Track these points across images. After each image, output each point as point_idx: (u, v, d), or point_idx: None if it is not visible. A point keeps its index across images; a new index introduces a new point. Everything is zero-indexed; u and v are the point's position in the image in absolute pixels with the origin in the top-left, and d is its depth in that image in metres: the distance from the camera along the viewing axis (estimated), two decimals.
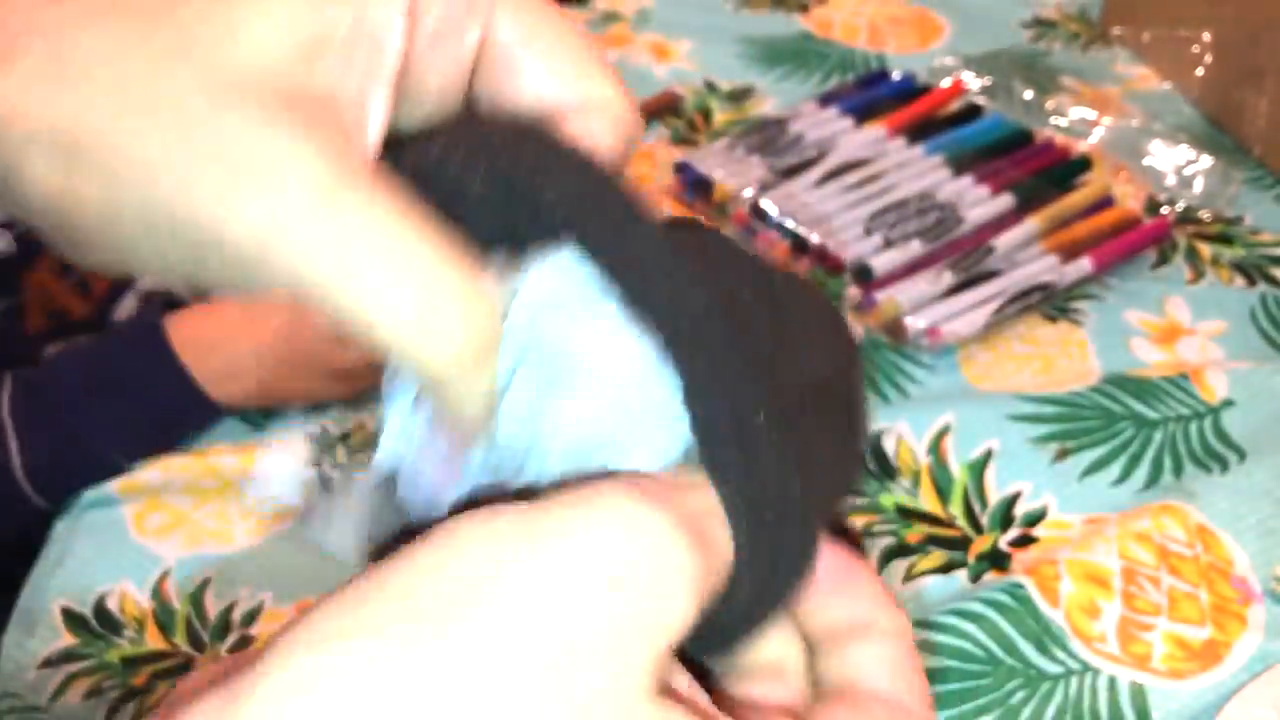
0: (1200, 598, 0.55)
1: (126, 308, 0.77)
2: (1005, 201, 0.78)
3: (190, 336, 0.61)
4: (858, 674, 0.27)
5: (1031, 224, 0.75)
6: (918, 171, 0.80)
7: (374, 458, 0.26)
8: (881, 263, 0.73)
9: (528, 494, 0.23)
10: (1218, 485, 0.60)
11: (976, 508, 0.61)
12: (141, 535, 0.58)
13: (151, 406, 0.61)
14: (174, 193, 0.20)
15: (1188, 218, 0.80)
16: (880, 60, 0.96)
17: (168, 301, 0.65)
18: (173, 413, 0.62)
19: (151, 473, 0.61)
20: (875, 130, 0.84)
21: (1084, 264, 0.74)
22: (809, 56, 0.97)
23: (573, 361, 0.24)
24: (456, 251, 0.22)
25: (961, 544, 0.59)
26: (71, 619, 0.55)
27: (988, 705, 0.51)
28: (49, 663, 0.53)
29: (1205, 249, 0.77)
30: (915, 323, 0.69)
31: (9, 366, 0.62)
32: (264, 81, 0.21)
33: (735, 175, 0.80)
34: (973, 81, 0.91)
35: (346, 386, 0.63)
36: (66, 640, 0.54)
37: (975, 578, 0.57)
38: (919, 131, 0.84)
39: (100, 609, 0.55)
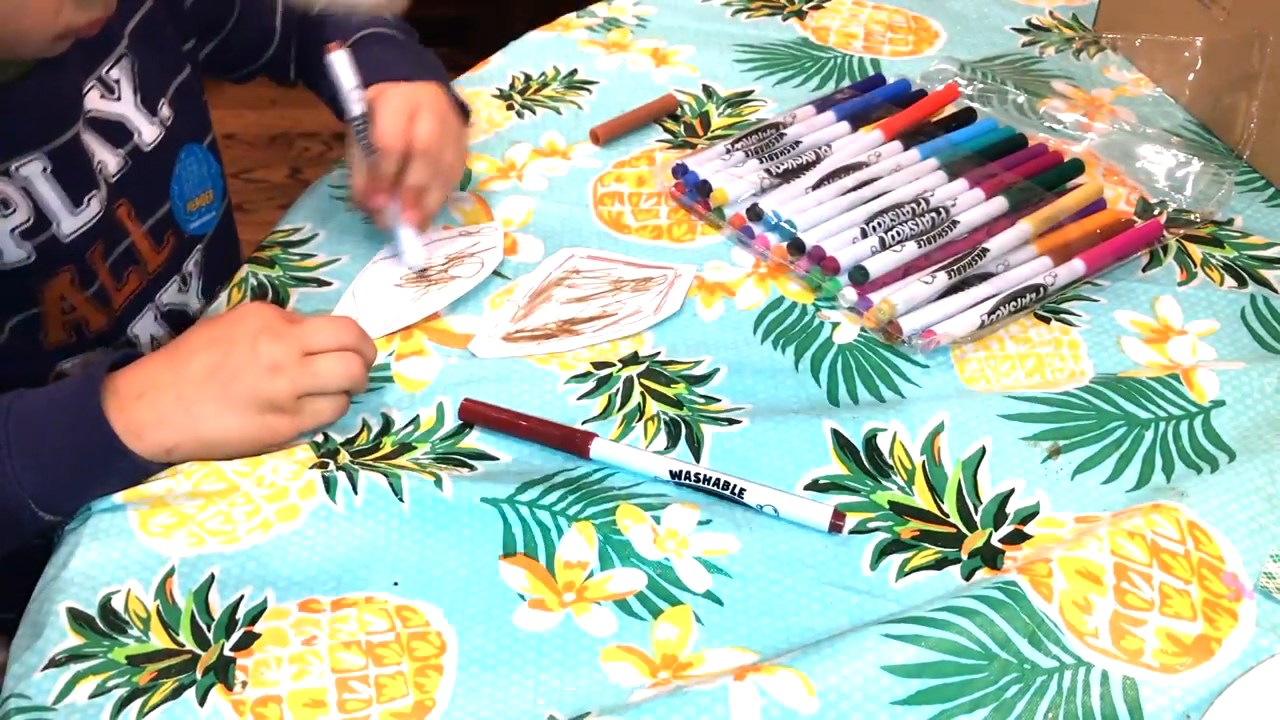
0: (1192, 593, 0.56)
1: (145, 323, 0.77)
2: (999, 204, 0.79)
3: (120, 388, 0.60)
4: None
5: (1024, 226, 0.76)
6: (912, 175, 0.81)
7: None
8: (877, 265, 0.74)
9: None
10: (1208, 483, 0.61)
11: (970, 505, 0.61)
12: (147, 535, 0.59)
13: (65, 454, 0.59)
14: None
15: (1179, 220, 0.81)
16: (876, 65, 0.97)
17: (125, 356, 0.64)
18: (88, 461, 0.60)
19: (159, 475, 0.61)
20: (871, 135, 0.85)
21: (1076, 266, 0.74)
22: (806, 62, 0.98)
23: None
24: None
25: (955, 540, 0.60)
26: (77, 618, 0.55)
27: (982, 699, 0.52)
28: (55, 662, 0.54)
29: (1196, 251, 0.78)
30: (910, 324, 0.70)
31: (26, 379, 0.61)
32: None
33: (733, 179, 0.81)
34: (967, 86, 0.92)
35: (286, 422, 0.62)
36: (73, 640, 0.55)
37: (968, 574, 0.58)
38: (914, 136, 0.85)
39: (106, 608, 0.56)
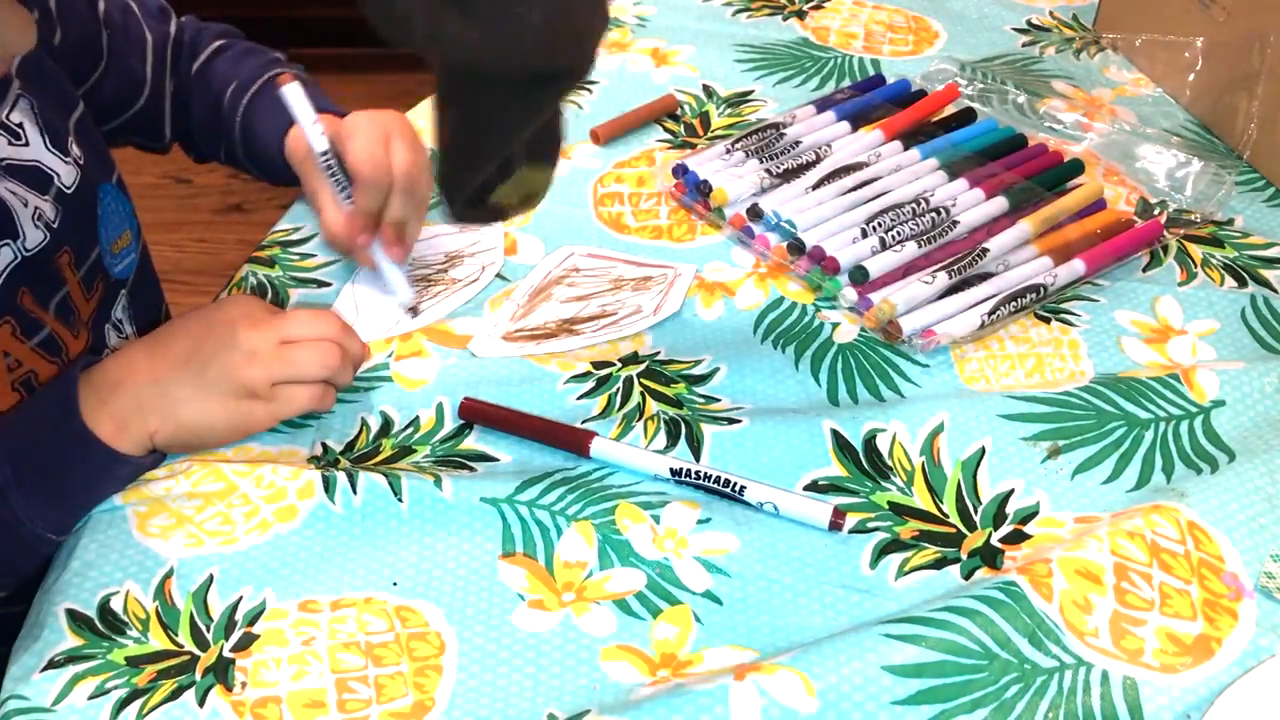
0: (1192, 593, 0.56)
1: None
2: (999, 204, 0.79)
3: (96, 381, 0.60)
4: None
5: (1024, 226, 0.76)
6: (912, 175, 0.81)
7: None
8: (877, 265, 0.74)
9: None
10: (1208, 483, 0.61)
11: (969, 505, 0.61)
12: (145, 536, 0.59)
13: (65, 479, 0.59)
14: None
15: (1179, 220, 0.81)
16: (876, 65, 0.97)
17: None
18: (88, 479, 0.60)
19: (157, 475, 0.61)
20: (871, 135, 0.85)
21: (1076, 266, 0.74)
22: (806, 62, 0.98)
23: None
24: None
25: (954, 540, 0.60)
26: (76, 620, 0.55)
27: (982, 699, 0.52)
28: (54, 664, 0.54)
29: (1196, 251, 0.78)
30: (910, 324, 0.70)
31: None
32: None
33: (733, 179, 0.81)
34: (967, 86, 0.92)
35: (262, 408, 0.62)
36: (71, 641, 0.55)
37: (968, 574, 0.58)
38: (914, 136, 0.85)
39: (105, 609, 0.56)
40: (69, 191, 0.69)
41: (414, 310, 0.73)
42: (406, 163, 0.71)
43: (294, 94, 0.70)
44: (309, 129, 0.70)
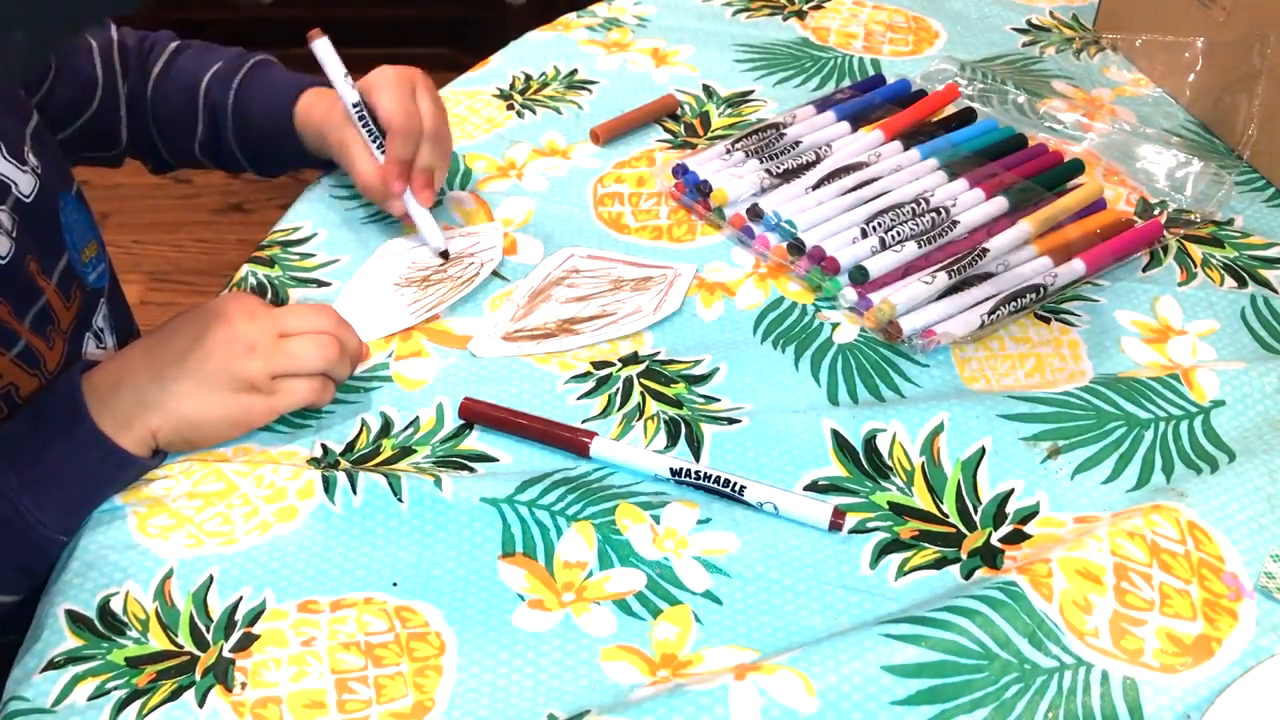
0: (1192, 593, 0.56)
1: None
2: (999, 204, 0.79)
3: (98, 382, 0.60)
4: None
5: (1024, 226, 0.76)
6: (912, 175, 0.81)
7: None
8: (877, 265, 0.74)
9: None
10: (1208, 484, 0.61)
11: (969, 505, 0.61)
12: (145, 537, 0.59)
13: (74, 483, 0.59)
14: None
15: (1179, 220, 0.81)
16: (876, 65, 0.97)
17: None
18: (95, 481, 0.60)
19: (157, 475, 0.61)
20: (871, 135, 0.85)
21: (1076, 266, 0.74)
22: (806, 62, 0.98)
23: None
24: None
25: (954, 540, 0.60)
26: (76, 620, 0.55)
27: (982, 699, 0.52)
28: (54, 664, 0.54)
29: (1196, 251, 0.78)
30: (910, 324, 0.70)
31: None
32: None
33: (733, 179, 0.81)
34: (967, 86, 0.92)
35: (262, 402, 0.62)
36: (72, 641, 0.55)
37: (968, 574, 0.58)
38: (914, 136, 0.85)
39: (105, 610, 0.56)
40: (28, 201, 0.68)
41: (444, 255, 0.76)
42: (433, 113, 0.75)
43: (323, 49, 0.72)
44: (340, 81, 0.72)
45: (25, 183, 0.69)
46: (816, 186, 0.80)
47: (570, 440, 0.64)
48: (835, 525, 0.60)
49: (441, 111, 0.76)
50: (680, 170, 0.82)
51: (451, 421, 0.66)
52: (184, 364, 0.61)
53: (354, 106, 0.73)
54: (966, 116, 0.88)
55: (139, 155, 0.87)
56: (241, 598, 0.56)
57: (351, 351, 0.66)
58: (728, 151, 0.84)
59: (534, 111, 0.91)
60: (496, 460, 0.64)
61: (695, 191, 0.82)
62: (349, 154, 0.75)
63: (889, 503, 0.61)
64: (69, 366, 0.69)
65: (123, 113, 0.83)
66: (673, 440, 0.65)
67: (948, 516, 0.61)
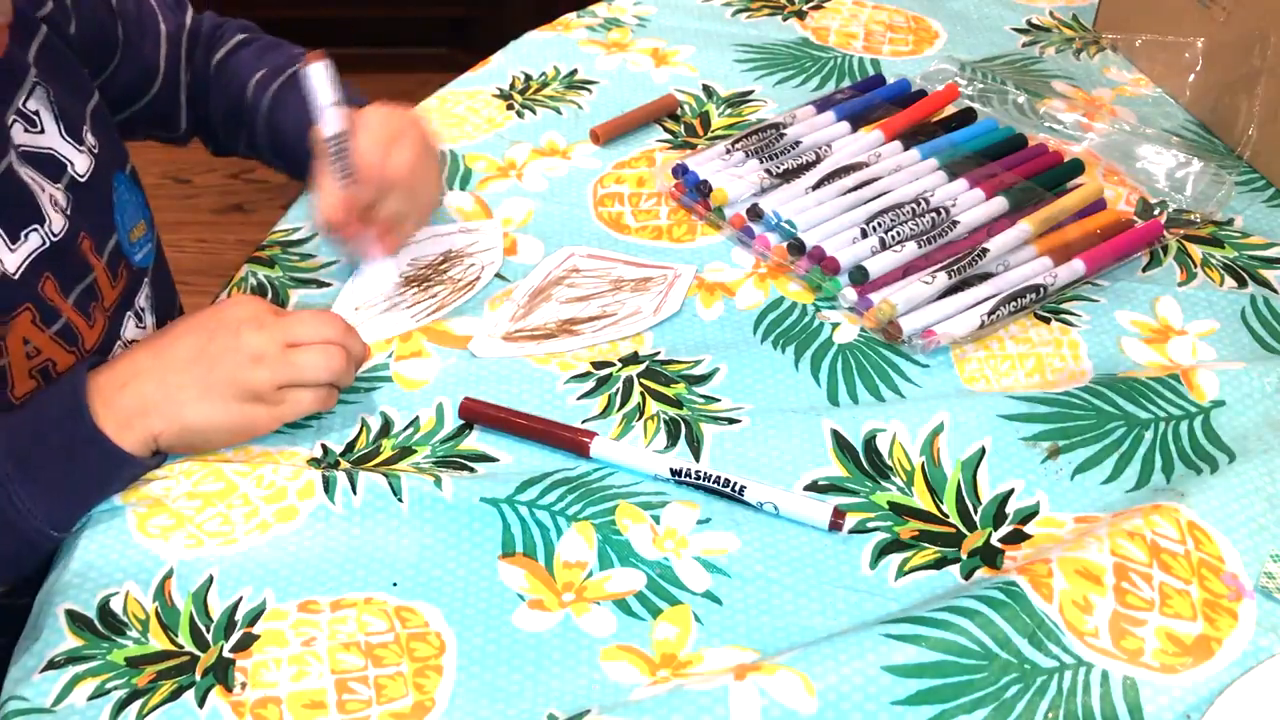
0: (1192, 594, 0.56)
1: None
2: (999, 204, 0.79)
3: (103, 381, 0.60)
4: None
5: (1024, 227, 0.76)
6: (912, 175, 0.81)
7: None
8: (877, 265, 0.74)
9: None
10: (1208, 484, 0.61)
11: (969, 505, 0.61)
12: (145, 537, 0.59)
13: (68, 475, 0.59)
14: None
15: (1179, 220, 0.81)
16: (876, 65, 0.97)
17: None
18: (90, 477, 0.60)
19: (157, 476, 0.61)
20: (871, 135, 0.85)
21: (1076, 266, 0.74)
22: (806, 62, 0.98)
23: None
24: None
25: (954, 540, 0.60)
26: (76, 620, 0.55)
27: (982, 699, 0.52)
28: (54, 664, 0.54)
29: (1196, 251, 0.78)
30: (910, 324, 0.70)
31: None
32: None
33: (733, 179, 0.81)
34: (967, 86, 0.92)
35: (266, 412, 0.62)
36: (71, 641, 0.55)
37: (968, 574, 0.58)
38: (914, 136, 0.85)
39: (105, 610, 0.56)
40: (82, 180, 0.70)
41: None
42: (408, 165, 0.71)
43: (316, 74, 0.70)
44: (322, 111, 0.70)
45: (81, 162, 0.70)
46: (816, 186, 0.80)
47: (570, 440, 0.64)
48: (835, 525, 0.60)
49: (422, 162, 0.73)
50: (680, 170, 0.82)
51: (451, 421, 0.66)
52: (190, 371, 0.61)
53: (330, 140, 0.70)
54: (966, 116, 0.88)
55: (203, 138, 0.88)
56: (241, 598, 0.56)
57: (357, 358, 0.66)
58: (728, 151, 0.84)
59: (534, 111, 0.91)
60: (496, 460, 0.64)
61: (695, 191, 0.82)
62: (316, 184, 0.72)
63: (889, 503, 0.61)
64: (107, 345, 0.71)
65: (183, 100, 0.83)
66: (673, 440, 0.65)
67: (948, 516, 0.61)
